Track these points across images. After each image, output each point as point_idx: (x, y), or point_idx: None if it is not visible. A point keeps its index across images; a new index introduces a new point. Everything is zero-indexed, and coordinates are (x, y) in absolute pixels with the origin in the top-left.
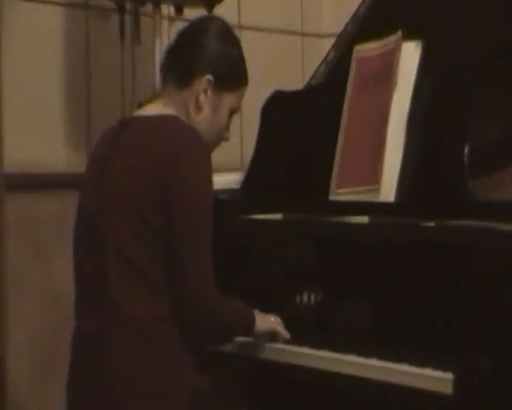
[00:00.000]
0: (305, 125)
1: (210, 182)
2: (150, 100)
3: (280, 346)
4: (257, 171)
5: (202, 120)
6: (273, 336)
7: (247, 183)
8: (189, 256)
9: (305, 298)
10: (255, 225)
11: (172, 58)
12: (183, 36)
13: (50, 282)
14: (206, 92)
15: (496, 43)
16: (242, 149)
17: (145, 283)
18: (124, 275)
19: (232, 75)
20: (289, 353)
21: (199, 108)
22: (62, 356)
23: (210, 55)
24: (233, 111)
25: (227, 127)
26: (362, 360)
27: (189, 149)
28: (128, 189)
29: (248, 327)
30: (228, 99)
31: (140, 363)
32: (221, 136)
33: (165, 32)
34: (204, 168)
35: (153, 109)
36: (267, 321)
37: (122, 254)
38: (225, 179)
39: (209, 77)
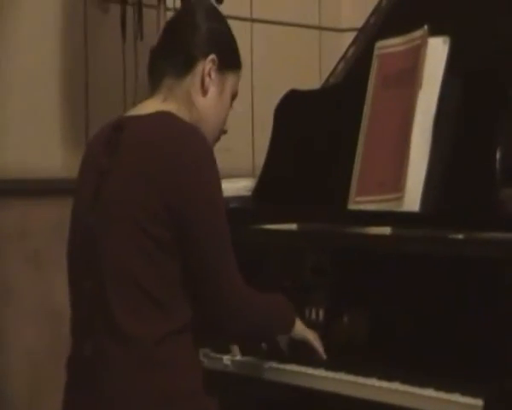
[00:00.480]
0: (322, 128)
1: (219, 182)
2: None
3: (294, 368)
4: (269, 177)
5: (208, 105)
6: (307, 349)
7: (258, 190)
8: (216, 261)
9: (322, 315)
10: (268, 236)
11: (165, 50)
12: (171, 25)
13: (48, 295)
14: (210, 75)
15: None
16: (254, 154)
17: (147, 300)
18: (124, 293)
19: (234, 53)
20: (304, 374)
21: (204, 91)
22: (60, 375)
23: (209, 35)
24: (233, 96)
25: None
26: (384, 383)
27: (192, 149)
28: (126, 200)
29: (288, 325)
30: (231, 80)
31: (143, 387)
32: (223, 126)
33: None
34: (212, 164)
35: (150, 106)
36: (306, 330)
37: (122, 270)
38: (236, 186)
39: (213, 57)
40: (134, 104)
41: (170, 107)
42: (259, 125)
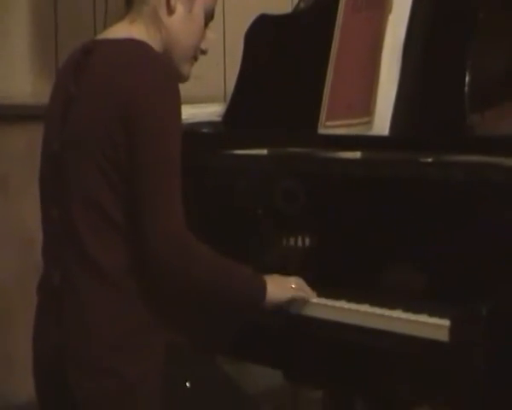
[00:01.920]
0: (293, 53)
1: (177, 111)
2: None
3: None
4: (240, 102)
5: (176, 24)
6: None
7: (229, 115)
8: (153, 193)
9: (293, 241)
10: (238, 161)
11: None
12: None
13: (18, 222)
14: None
15: None
16: (225, 79)
17: (113, 228)
18: (92, 222)
19: None
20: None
21: (171, 10)
22: (31, 302)
23: None
24: (208, 15)
25: (204, 36)
26: (353, 306)
27: (154, 75)
28: (90, 126)
29: (254, 293)
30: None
31: (109, 314)
32: (198, 46)
33: None
34: (170, 95)
35: (119, 30)
36: (286, 288)
37: (89, 198)
38: (206, 111)
39: None
40: (104, 27)
41: (139, 29)
42: (231, 52)
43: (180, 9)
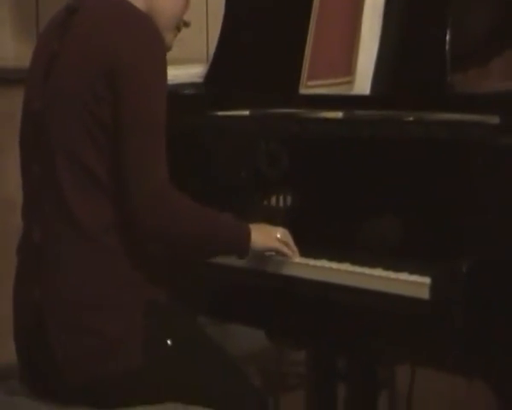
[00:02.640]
0: (274, 12)
1: (163, 69)
2: None
3: None
4: (221, 63)
5: None
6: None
7: (210, 76)
8: (137, 149)
9: (274, 201)
10: (220, 122)
11: None
12: None
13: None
14: None
15: None
16: (208, 41)
17: (95, 184)
18: (75, 178)
19: None
20: (255, 258)
21: None
22: (11, 264)
23: None
24: None
25: (187, 6)
26: (334, 264)
27: (140, 32)
28: (74, 82)
29: (238, 241)
30: None
31: (90, 272)
32: (182, 17)
33: None
34: (156, 52)
35: None
36: (271, 237)
37: (72, 155)
38: (188, 73)
39: None
40: None
41: None
42: (213, 14)
43: None
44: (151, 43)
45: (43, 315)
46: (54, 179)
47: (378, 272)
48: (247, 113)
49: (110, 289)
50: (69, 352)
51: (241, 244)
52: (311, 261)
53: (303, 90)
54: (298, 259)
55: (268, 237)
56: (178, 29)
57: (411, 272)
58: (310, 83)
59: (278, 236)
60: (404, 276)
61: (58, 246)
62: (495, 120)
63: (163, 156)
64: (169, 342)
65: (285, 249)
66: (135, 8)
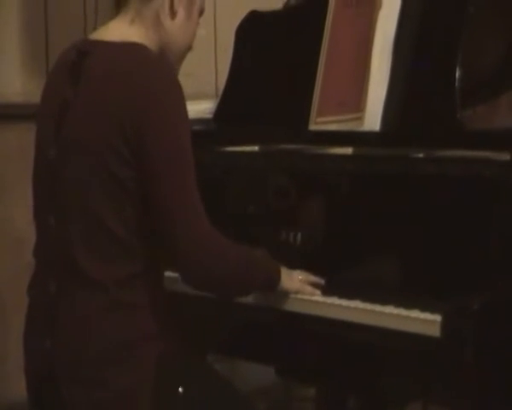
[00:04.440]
0: (283, 49)
1: (185, 114)
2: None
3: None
4: (231, 98)
5: (177, 27)
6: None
7: (220, 112)
8: (180, 199)
9: (284, 237)
10: (230, 158)
11: None
12: None
13: (8, 221)
14: None
15: None
16: (217, 78)
17: (110, 240)
18: (86, 231)
19: None
20: (263, 296)
21: (173, 14)
22: (22, 305)
23: None
24: (200, 12)
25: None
26: (344, 302)
27: (157, 84)
28: (89, 135)
29: (271, 280)
30: (199, 0)
31: (102, 326)
32: (191, 43)
33: None
34: (178, 99)
35: (116, 31)
36: (294, 279)
37: (84, 208)
38: (198, 108)
39: None
40: (95, 27)
41: (138, 31)
42: (222, 49)
43: (181, 13)
44: (170, 90)
45: (54, 366)
46: (66, 233)
47: (389, 309)
48: (256, 149)
49: (122, 343)
50: (79, 403)
51: (274, 282)
52: (321, 298)
53: (313, 127)
54: (303, 295)
55: (292, 278)
56: (185, 56)
57: (422, 310)
58: (319, 119)
59: (300, 277)
60: (415, 313)
61: (72, 300)
62: (505, 156)
63: (198, 197)
64: (180, 389)
65: (309, 289)
66: (148, 52)
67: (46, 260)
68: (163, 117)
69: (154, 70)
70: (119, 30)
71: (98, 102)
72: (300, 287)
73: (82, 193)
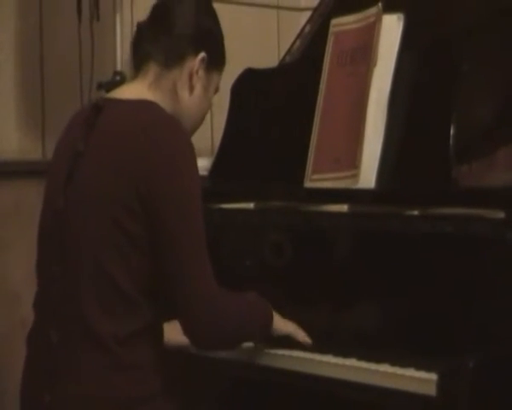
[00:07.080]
0: (279, 106)
1: (197, 176)
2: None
3: (252, 346)
4: (226, 156)
5: (193, 102)
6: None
7: (215, 169)
8: (189, 264)
9: (280, 294)
10: (225, 215)
11: (153, 33)
12: (162, 8)
13: (4, 277)
14: (197, 72)
15: (482, 14)
16: (213, 133)
17: (116, 294)
18: (93, 284)
19: (222, 53)
20: (261, 354)
21: (191, 88)
22: (17, 361)
23: (201, 31)
24: (216, 91)
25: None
26: (339, 360)
27: (171, 145)
28: (100, 189)
29: (267, 319)
30: (216, 78)
31: (103, 383)
32: (204, 119)
33: (128, 7)
34: (190, 163)
35: (134, 91)
36: (286, 323)
37: (92, 261)
38: None
39: (203, 55)
40: (91, 84)
41: (155, 96)
42: (218, 105)
43: (198, 89)
44: (183, 150)
45: None
46: (72, 284)
47: (384, 367)
48: (251, 206)
49: (122, 401)
50: None
51: (270, 320)
52: (317, 356)
53: (308, 184)
54: (302, 354)
55: (283, 321)
56: (196, 130)
57: (418, 368)
58: (315, 176)
59: (290, 322)
60: (410, 372)
61: (74, 351)
62: (500, 214)
63: (208, 261)
64: None
65: (302, 333)
66: (161, 110)
67: (48, 311)
68: (175, 176)
69: (168, 128)
70: (137, 90)
71: (111, 156)
72: (294, 331)
73: (92, 246)
